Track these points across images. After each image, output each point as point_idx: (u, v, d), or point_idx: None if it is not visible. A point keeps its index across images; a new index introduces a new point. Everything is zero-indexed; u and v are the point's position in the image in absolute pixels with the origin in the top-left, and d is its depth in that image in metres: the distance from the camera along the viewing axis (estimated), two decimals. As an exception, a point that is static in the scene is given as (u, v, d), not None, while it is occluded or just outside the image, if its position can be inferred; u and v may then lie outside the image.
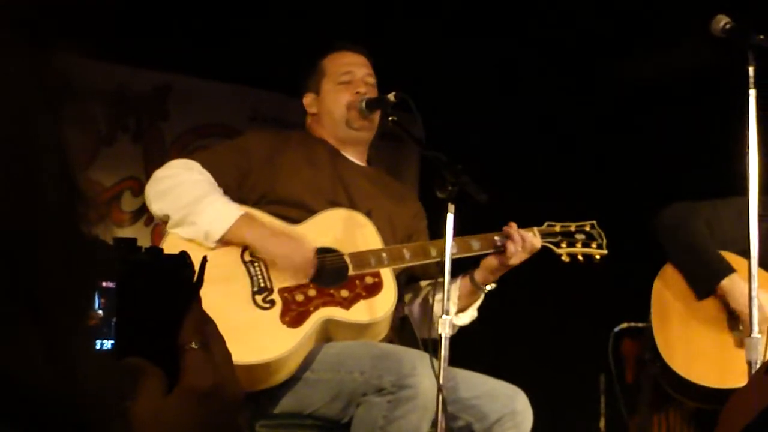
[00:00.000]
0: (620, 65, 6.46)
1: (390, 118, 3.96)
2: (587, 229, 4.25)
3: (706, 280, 4.48)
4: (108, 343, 1.19)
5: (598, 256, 4.22)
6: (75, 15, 0.91)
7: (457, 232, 3.59)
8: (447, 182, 3.53)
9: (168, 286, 1.21)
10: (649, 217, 4.65)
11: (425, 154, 3.85)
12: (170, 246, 3.57)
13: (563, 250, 4.18)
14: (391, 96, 3.96)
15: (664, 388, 4.48)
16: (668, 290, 4.56)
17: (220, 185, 3.84)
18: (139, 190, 6.38)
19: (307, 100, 4.25)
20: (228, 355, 1.21)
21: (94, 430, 0.87)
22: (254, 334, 3.56)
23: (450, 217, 3.53)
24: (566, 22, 6.30)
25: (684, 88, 6.20)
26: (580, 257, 4.21)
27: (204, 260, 1.23)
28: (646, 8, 5.98)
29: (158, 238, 5.92)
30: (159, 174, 3.87)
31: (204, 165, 3.86)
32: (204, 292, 1.23)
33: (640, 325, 4.62)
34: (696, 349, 4.41)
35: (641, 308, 4.54)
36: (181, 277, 1.22)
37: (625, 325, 4.69)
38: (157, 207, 3.80)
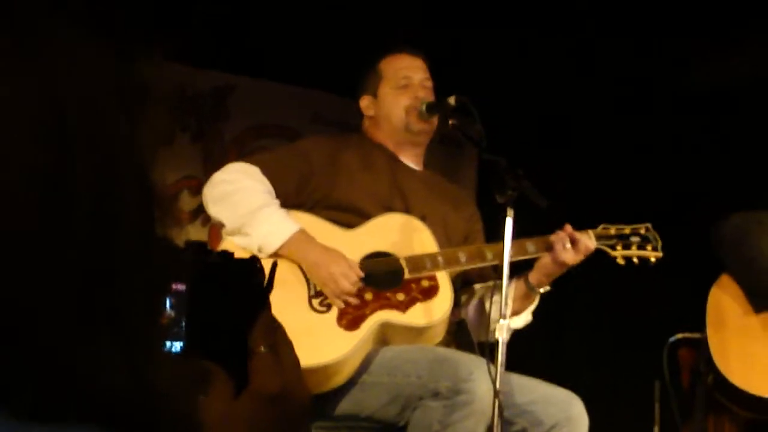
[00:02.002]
0: (680, 71, 6.42)
1: (450, 122, 3.93)
2: (642, 231, 4.20)
3: (765, 296, 4.44)
4: (177, 345, 1.20)
5: (653, 259, 4.17)
6: (150, 18, 0.92)
7: (513, 236, 3.57)
8: (507, 187, 3.51)
9: (238, 289, 1.22)
10: (707, 226, 4.61)
11: (485, 157, 3.83)
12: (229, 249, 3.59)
13: (618, 253, 4.14)
14: (451, 99, 3.95)
15: (718, 397, 4.45)
16: (725, 300, 4.53)
17: (278, 191, 3.84)
18: (197, 190, 6.40)
19: (364, 102, 4.25)
20: (296, 359, 1.22)
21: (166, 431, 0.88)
22: (312, 338, 3.56)
23: (509, 222, 3.52)
24: (625, 30, 6.26)
25: (745, 95, 6.15)
26: (635, 259, 4.16)
27: (274, 265, 1.24)
28: (705, 14, 5.92)
29: (215, 237, 5.96)
30: (217, 177, 3.88)
31: (263, 170, 3.86)
32: None
33: (695, 335, 4.59)
34: (753, 360, 4.38)
35: (699, 317, 4.51)
36: (251, 282, 1.23)
37: (680, 335, 4.66)
38: (214, 211, 3.81)
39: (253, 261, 1.23)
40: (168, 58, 0.95)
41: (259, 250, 3.68)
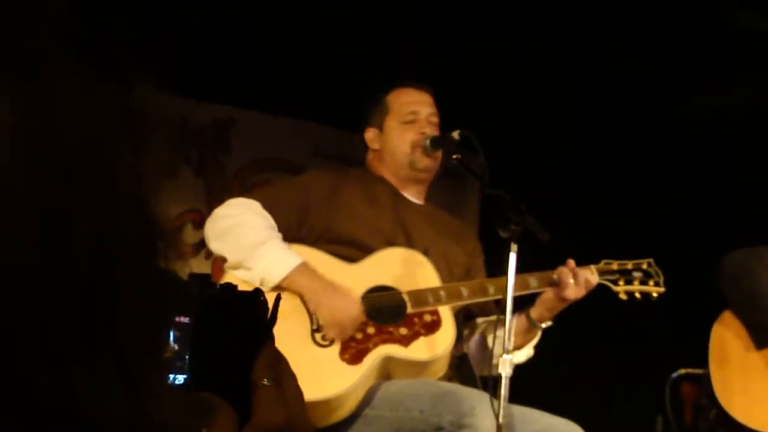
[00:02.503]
0: (682, 106, 6.44)
1: (454, 156, 3.94)
2: (644, 267, 4.22)
3: (767, 332, 4.44)
4: (181, 378, 1.20)
5: (655, 294, 4.18)
6: (151, 51, 0.92)
7: (517, 270, 3.57)
8: (510, 221, 3.51)
9: (242, 322, 1.22)
10: (710, 262, 4.61)
11: (488, 192, 3.83)
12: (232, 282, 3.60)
13: (620, 288, 4.15)
14: (455, 134, 3.95)
15: (720, 433, 4.44)
16: (727, 336, 4.52)
17: (279, 225, 3.84)
18: (200, 223, 6.42)
19: (369, 135, 4.24)
20: (300, 393, 1.21)
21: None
22: (314, 372, 3.54)
23: (512, 257, 3.51)
24: (622, 62, 6.27)
25: (748, 127, 6.16)
26: (637, 295, 4.17)
27: (278, 298, 1.23)
28: (709, 47, 5.94)
29: (218, 271, 5.95)
30: (219, 213, 3.88)
31: (264, 204, 3.86)
32: None
33: (698, 371, 4.58)
34: (755, 396, 4.37)
35: (701, 353, 4.50)
36: (255, 314, 1.22)
37: (683, 371, 4.65)
38: (215, 246, 3.81)
39: (257, 294, 1.23)
40: (170, 91, 0.94)
41: (261, 284, 3.65)
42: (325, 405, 3.53)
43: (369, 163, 4.27)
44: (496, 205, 3.61)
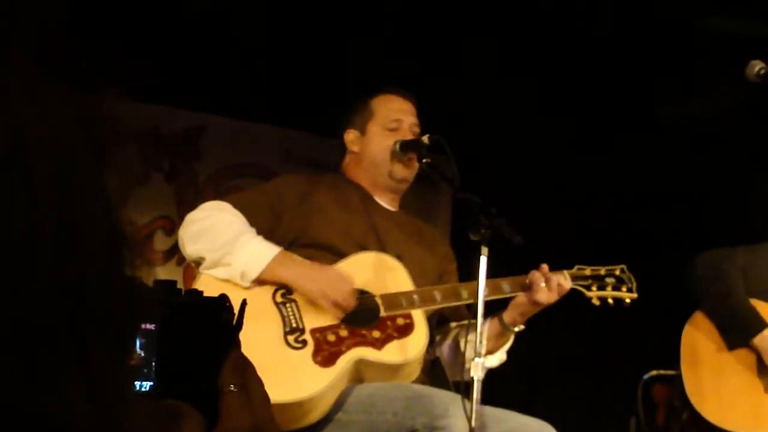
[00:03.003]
0: (656, 110, 6.46)
1: (424, 161, 3.95)
2: (617, 273, 4.24)
3: (739, 333, 4.47)
4: (147, 384, 1.20)
5: (628, 300, 4.21)
6: (116, 59, 0.92)
7: (488, 275, 3.57)
8: (481, 225, 3.52)
9: (208, 328, 1.22)
10: (681, 264, 4.63)
11: (459, 196, 3.84)
12: (203, 286, 3.59)
13: (593, 293, 4.17)
14: (425, 138, 3.96)
15: (692, 434, 4.46)
16: (699, 337, 4.54)
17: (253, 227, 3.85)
18: (171, 230, 6.41)
19: (350, 136, 4.23)
20: (266, 397, 1.22)
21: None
22: (287, 374, 3.55)
23: (483, 260, 3.52)
24: (596, 65, 6.29)
25: (720, 132, 6.19)
26: (610, 300, 4.19)
27: (243, 303, 1.24)
28: (680, 54, 5.96)
29: (190, 278, 5.93)
30: (192, 216, 3.87)
31: (236, 207, 3.86)
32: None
33: (670, 372, 4.60)
34: (727, 396, 4.39)
35: (673, 354, 4.52)
36: (220, 320, 1.23)
37: (654, 372, 4.67)
38: (191, 249, 3.79)
39: (222, 299, 1.23)
40: (139, 98, 0.94)
41: (242, 278, 3.68)
42: (298, 407, 3.53)
43: (345, 167, 4.26)
44: (468, 208, 3.62)
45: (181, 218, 3.94)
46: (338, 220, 4.00)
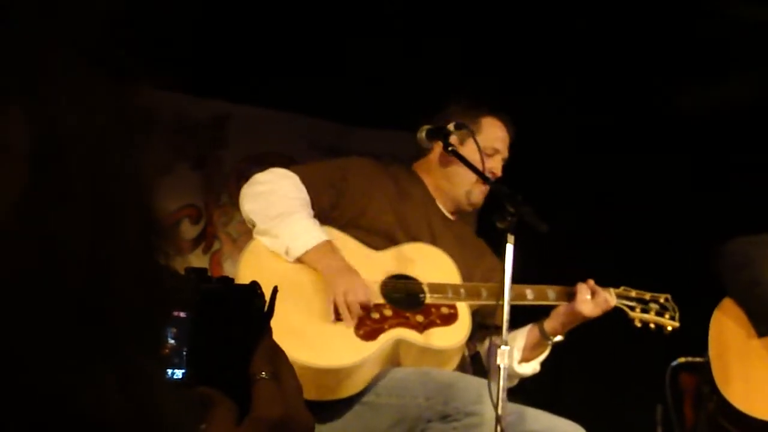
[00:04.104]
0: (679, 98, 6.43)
1: (450, 148, 3.96)
2: (661, 300, 4.35)
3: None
4: (179, 373, 1.20)
5: (670, 328, 4.31)
6: (150, 48, 0.92)
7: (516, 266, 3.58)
8: (507, 213, 3.53)
9: (239, 315, 1.22)
10: (710, 251, 4.61)
11: (487, 185, 3.88)
12: (255, 252, 3.75)
13: (636, 315, 4.28)
14: (450, 126, 3.97)
15: (720, 421, 4.44)
16: (727, 324, 4.53)
17: (314, 203, 3.89)
18: (197, 218, 6.42)
19: (440, 147, 4.15)
20: (298, 385, 1.22)
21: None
22: (329, 342, 3.62)
23: (509, 248, 3.53)
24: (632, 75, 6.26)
25: (744, 120, 6.15)
26: (652, 325, 4.30)
27: (275, 291, 1.23)
28: (700, 47, 5.93)
29: (217, 265, 5.95)
30: (258, 178, 3.94)
31: (303, 179, 3.91)
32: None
33: (697, 359, 4.59)
34: (755, 384, 4.37)
35: (701, 341, 4.51)
36: (252, 307, 1.23)
37: (682, 359, 4.65)
38: (248, 208, 3.86)
39: (254, 286, 1.23)
40: (166, 87, 0.94)
41: (286, 253, 3.74)
42: (335, 374, 3.57)
43: (417, 166, 4.34)
44: (494, 197, 3.64)
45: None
46: (397, 210, 4.07)
